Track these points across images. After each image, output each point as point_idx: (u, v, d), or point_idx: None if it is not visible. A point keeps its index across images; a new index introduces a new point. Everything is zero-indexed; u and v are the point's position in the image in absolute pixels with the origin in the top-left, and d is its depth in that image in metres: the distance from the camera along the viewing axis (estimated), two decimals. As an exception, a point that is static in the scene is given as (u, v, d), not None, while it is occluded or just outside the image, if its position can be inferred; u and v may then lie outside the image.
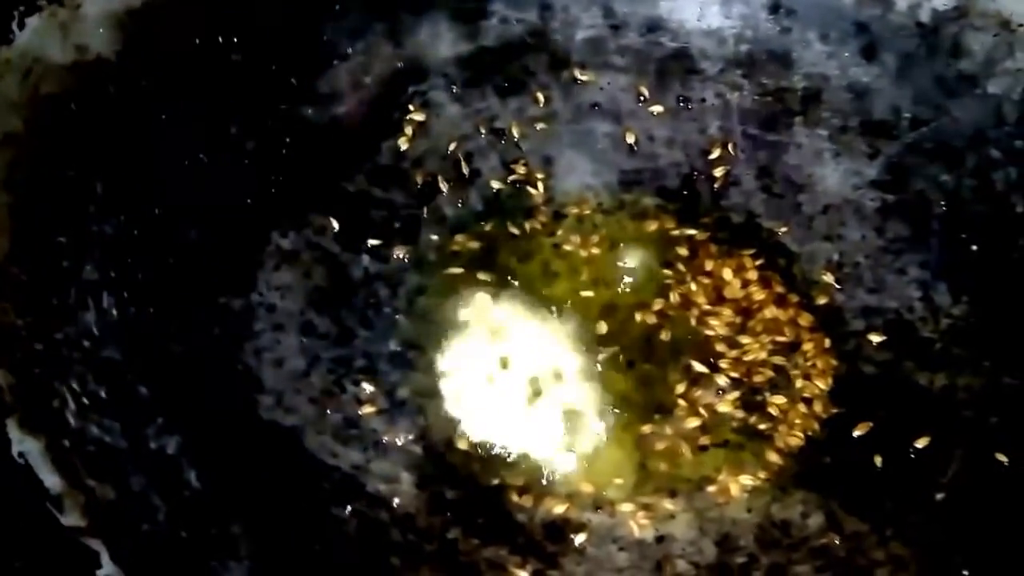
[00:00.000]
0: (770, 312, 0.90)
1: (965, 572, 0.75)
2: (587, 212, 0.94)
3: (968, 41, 0.92)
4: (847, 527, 0.79)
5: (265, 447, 0.79)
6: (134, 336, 0.75)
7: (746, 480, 0.82)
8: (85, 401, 0.69)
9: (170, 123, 0.84)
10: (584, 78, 0.99)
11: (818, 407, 0.85)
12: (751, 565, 0.78)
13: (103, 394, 0.70)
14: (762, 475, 0.82)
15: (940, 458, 0.82)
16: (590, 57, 0.99)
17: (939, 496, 0.80)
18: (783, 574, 0.78)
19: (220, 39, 0.87)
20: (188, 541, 0.68)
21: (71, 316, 0.72)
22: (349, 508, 0.78)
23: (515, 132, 0.97)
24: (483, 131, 0.97)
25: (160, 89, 0.84)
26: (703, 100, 0.99)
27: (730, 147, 0.97)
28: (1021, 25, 0.90)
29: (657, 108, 0.98)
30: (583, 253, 0.92)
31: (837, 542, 0.79)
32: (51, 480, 0.63)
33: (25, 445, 0.63)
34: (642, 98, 0.99)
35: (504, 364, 0.86)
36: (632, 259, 0.92)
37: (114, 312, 0.75)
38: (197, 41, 0.86)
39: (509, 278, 0.90)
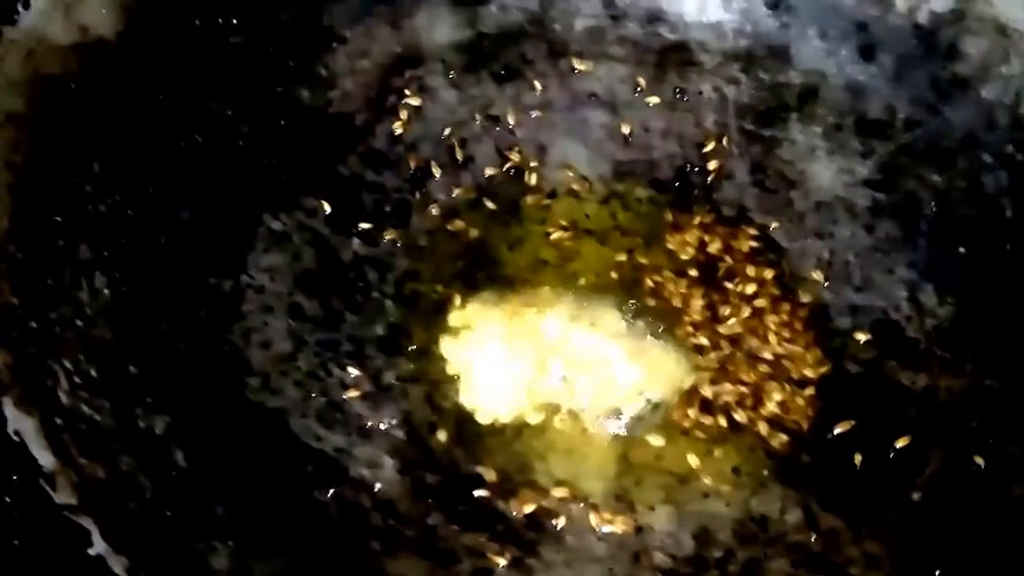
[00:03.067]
0: (761, 306, 0.92)
1: (937, 572, 0.78)
2: (579, 201, 0.96)
3: (964, 45, 0.94)
4: (824, 524, 0.82)
5: (251, 429, 0.81)
6: (125, 316, 0.77)
7: (726, 475, 0.84)
8: (77, 380, 0.71)
9: (167, 104, 0.86)
10: (581, 67, 1.00)
11: (804, 404, 0.87)
12: (728, 559, 0.81)
13: (94, 373, 0.72)
14: (742, 470, 0.84)
15: (918, 458, 0.84)
16: (588, 47, 1.01)
17: (916, 496, 0.83)
18: (759, 568, 0.80)
19: (220, 21, 0.88)
20: (174, 521, 0.70)
21: (65, 295, 0.74)
22: (331, 491, 0.80)
23: (510, 119, 0.98)
24: (478, 117, 0.98)
25: (159, 70, 0.85)
26: (700, 93, 1.00)
27: (725, 141, 0.98)
28: (1017, 31, 0.92)
29: (654, 99, 1.00)
30: (574, 242, 0.94)
31: (813, 538, 0.81)
32: (44, 458, 0.65)
33: (21, 423, 0.65)
34: (639, 89, 1.00)
35: (490, 352, 0.87)
36: (623, 250, 0.94)
37: (106, 292, 0.77)
38: (197, 23, 0.88)
39: (498, 265, 0.92)
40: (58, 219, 0.75)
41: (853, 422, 0.86)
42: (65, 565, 0.59)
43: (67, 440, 0.67)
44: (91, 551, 0.63)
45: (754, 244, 0.95)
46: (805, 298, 0.92)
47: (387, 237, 0.93)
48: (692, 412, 0.87)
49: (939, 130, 0.95)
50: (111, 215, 0.80)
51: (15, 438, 0.65)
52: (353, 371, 0.87)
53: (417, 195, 0.95)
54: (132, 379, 0.75)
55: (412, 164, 0.96)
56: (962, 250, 0.93)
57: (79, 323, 0.74)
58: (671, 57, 1.01)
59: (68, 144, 0.78)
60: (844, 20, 0.98)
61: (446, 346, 0.88)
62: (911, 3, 0.96)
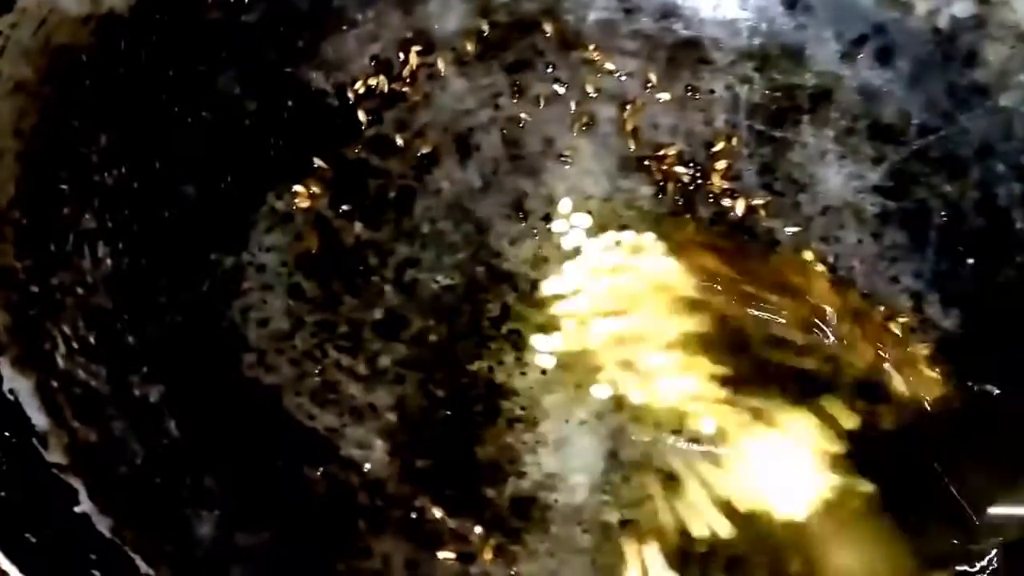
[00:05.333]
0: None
1: (922, 576, 0.80)
2: (583, 196, 0.99)
3: (984, 51, 0.97)
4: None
5: (244, 403, 0.86)
6: (125, 286, 0.82)
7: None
8: (75, 345, 0.75)
9: (176, 79, 0.90)
10: (593, 60, 1.03)
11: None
12: (711, 555, 0.84)
13: (92, 340, 0.77)
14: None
15: (914, 467, 0.87)
16: (601, 40, 1.04)
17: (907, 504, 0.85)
18: (743, 564, 0.84)
19: (231, -1, 0.93)
20: (163, 487, 0.75)
21: (67, 262, 0.78)
22: (321, 469, 0.85)
23: (518, 110, 1.02)
24: (487, 107, 1.02)
25: (169, 45, 0.89)
26: (711, 91, 1.03)
27: (734, 141, 1.01)
28: (1039, 38, 0.93)
29: (664, 96, 1.03)
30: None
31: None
32: (38, 418, 0.70)
33: (16, 383, 0.70)
34: (649, 85, 1.03)
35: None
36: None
37: (108, 262, 0.81)
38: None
39: (499, 258, 0.96)
40: (63, 188, 0.79)
41: (847, 430, 0.88)
42: (51, 520, 0.64)
43: (61, 402, 0.72)
44: (77, 509, 0.67)
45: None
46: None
47: (389, 223, 0.96)
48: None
49: (954, 138, 0.98)
50: (116, 187, 0.84)
51: (10, 396, 0.70)
52: (349, 353, 0.90)
53: (421, 183, 0.99)
54: (129, 348, 0.80)
55: (418, 151, 1.00)
56: (970, 261, 0.95)
57: (80, 290, 0.78)
58: (684, 53, 1.04)
59: (76, 115, 0.82)
60: (862, 22, 1.00)
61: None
62: (931, 7, 0.98)
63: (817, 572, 0.84)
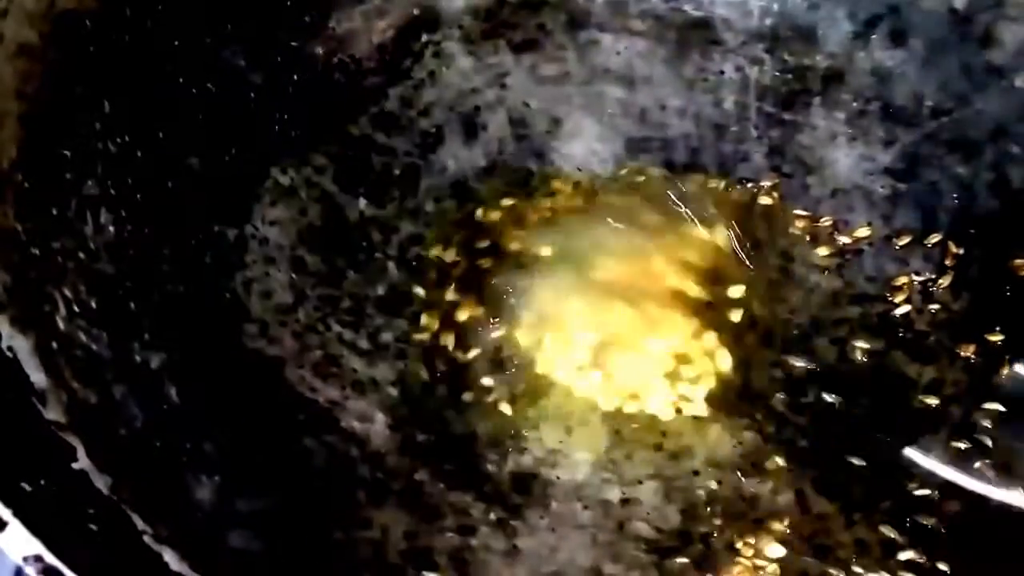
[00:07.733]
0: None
1: (928, 563, 0.82)
2: (589, 177, 1.01)
3: (1000, 31, 0.96)
4: (816, 508, 0.86)
5: (246, 373, 0.88)
6: (128, 254, 0.84)
7: (720, 455, 0.89)
8: (76, 308, 0.77)
9: (182, 49, 0.92)
10: (601, 41, 1.05)
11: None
12: (713, 535, 0.86)
13: (93, 304, 0.78)
14: (737, 452, 0.89)
15: (920, 450, 0.88)
16: (610, 20, 1.05)
17: (912, 487, 0.87)
18: (742, 549, 0.85)
19: (239, -29, 0.95)
20: (162, 451, 0.77)
21: (69, 227, 0.80)
22: (321, 440, 0.86)
23: (525, 90, 1.03)
24: (493, 86, 1.03)
25: (175, 15, 0.91)
26: (721, 72, 1.04)
27: (743, 123, 1.02)
28: (1057, 18, 0.93)
29: (673, 77, 1.03)
30: (580, 218, 0.98)
31: (804, 521, 0.85)
32: (37, 376, 0.71)
33: (15, 341, 0.72)
34: (658, 66, 1.04)
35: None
36: (627, 228, 0.98)
37: (111, 229, 0.83)
38: (216, -30, 0.94)
39: (503, 236, 0.97)
40: (66, 153, 0.81)
41: (854, 412, 0.90)
42: (47, 472, 0.66)
43: (61, 364, 0.73)
44: (75, 465, 0.69)
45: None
46: (816, 285, 0.96)
47: (394, 200, 0.98)
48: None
49: (967, 119, 0.98)
50: (120, 155, 0.86)
51: (8, 354, 0.72)
52: (351, 328, 0.93)
53: (426, 160, 1.01)
54: (131, 315, 0.82)
55: (423, 129, 1.01)
56: (981, 244, 0.95)
57: (81, 255, 0.80)
58: (693, 34, 1.04)
59: (80, 80, 0.83)
60: (876, 2, 1.00)
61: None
62: (948, -14, 0.98)
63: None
